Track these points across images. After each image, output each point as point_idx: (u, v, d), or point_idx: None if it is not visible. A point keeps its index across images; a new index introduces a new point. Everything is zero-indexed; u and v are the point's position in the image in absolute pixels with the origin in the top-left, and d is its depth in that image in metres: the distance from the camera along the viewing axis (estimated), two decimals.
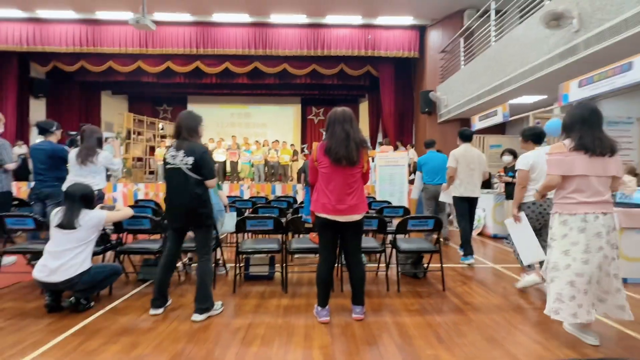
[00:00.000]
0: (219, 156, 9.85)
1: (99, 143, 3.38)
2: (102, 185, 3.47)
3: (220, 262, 3.54)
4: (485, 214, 5.83)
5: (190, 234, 2.60)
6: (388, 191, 6.47)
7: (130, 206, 3.93)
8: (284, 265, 3.03)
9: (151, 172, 12.07)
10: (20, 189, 8.14)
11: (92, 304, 2.58)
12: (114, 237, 3.19)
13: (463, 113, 7.98)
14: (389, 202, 4.86)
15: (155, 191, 8.55)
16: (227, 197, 4.83)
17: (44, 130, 3.58)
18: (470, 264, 4.00)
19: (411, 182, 6.80)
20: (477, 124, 6.87)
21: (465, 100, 7.66)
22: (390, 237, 3.30)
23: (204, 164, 2.41)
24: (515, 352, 2.01)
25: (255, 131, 13.64)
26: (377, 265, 3.69)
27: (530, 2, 5.78)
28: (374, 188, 7.21)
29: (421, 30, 9.62)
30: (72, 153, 3.33)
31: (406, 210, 4.10)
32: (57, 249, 2.39)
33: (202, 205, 2.43)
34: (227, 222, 2.67)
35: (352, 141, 2.29)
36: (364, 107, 12.93)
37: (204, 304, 2.42)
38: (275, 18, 9.27)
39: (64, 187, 2.83)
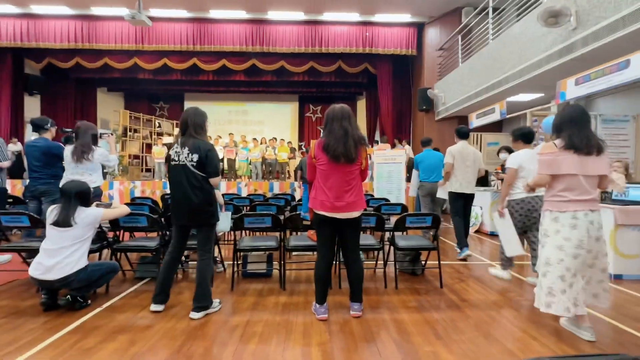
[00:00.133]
0: None
1: (94, 140, 3.35)
2: (99, 183, 3.45)
3: (218, 259, 3.53)
4: (482, 211, 5.85)
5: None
6: (386, 188, 6.48)
7: (127, 204, 3.90)
8: (282, 262, 3.03)
9: (148, 170, 12.01)
10: (15, 187, 8.07)
11: (89, 302, 2.57)
12: (110, 234, 3.17)
13: (461, 110, 7.99)
14: (387, 200, 4.87)
15: (152, 189, 8.52)
16: (225, 194, 4.82)
17: (38, 127, 3.54)
18: (465, 257, 4.10)
19: (408, 179, 6.82)
20: (475, 121, 6.88)
21: (462, 97, 7.67)
22: (388, 234, 3.31)
23: (208, 162, 2.38)
24: (512, 348, 2.02)
25: (252, 129, 13.58)
26: (375, 262, 3.70)
27: None
28: (372, 185, 7.22)
29: (419, 28, 9.60)
30: (67, 150, 3.30)
31: (404, 208, 4.11)
32: (52, 247, 2.37)
33: (206, 203, 2.40)
34: (222, 222, 2.65)
35: (350, 138, 2.28)
36: (361, 105, 12.92)
37: (202, 302, 2.41)
38: (272, 15, 9.21)
39: (61, 185, 2.80)
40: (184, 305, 2.57)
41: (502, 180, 5.11)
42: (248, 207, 4.67)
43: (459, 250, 4.17)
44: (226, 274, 3.45)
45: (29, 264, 2.49)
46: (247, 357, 1.91)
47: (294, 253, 4.01)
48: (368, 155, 2.47)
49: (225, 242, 4.83)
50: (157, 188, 8.54)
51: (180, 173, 2.37)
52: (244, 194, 8.02)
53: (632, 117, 5.13)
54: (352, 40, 9.49)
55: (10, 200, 4.56)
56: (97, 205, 2.73)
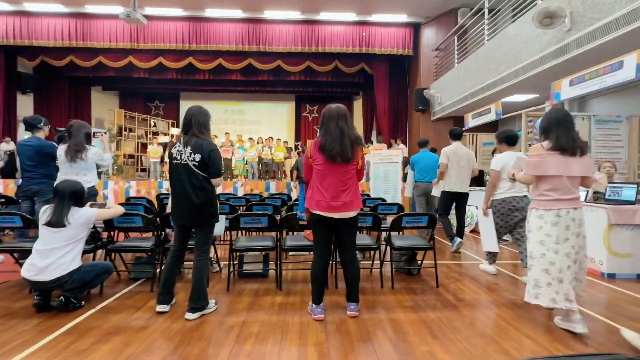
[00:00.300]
0: None
1: (88, 139, 3.31)
2: (94, 182, 3.41)
3: (214, 259, 3.51)
4: (478, 211, 5.88)
5: None
6: (382, 188, 6.49)
7: (122, 204, 3.87)
8: (278, 262, 3.02)
9: (143, 170, 11.92)
10: (8, 187, 7.97)
11: (82, 303, 2.54)
12: (104, 235, 3.14)
13: (457, 111, 8.03)
14: (384, 200, 4.88)
15: (147, 188, 8.45)
16: (221, 194, 4.79)
17: (31, 126, 3.49)
18: (458, 246, 4.30)
19: (403, 178, 6.84)
20: (471, 121, 6.92)
21: (458, 98, 7.70)
22: (384, 234, 3.31)
23: (211, 162, 2.36)
24: (508, 347, 2.03)
25: (249, 128, 13.54)
26: (371, 262, 3.70)
27: (522, 1, 5.82)
28: (368, 185, 7.23)
29: (415, 28, 9.63)
30: (61, 150, 3.26)
31: (400, 208, 4.12)
32: (45, 248, 2.34)
33: (207, 204, 2.38)
34: (215, 226, 2.62)
35: (346, 138, 2.28)
36: (358, 105, 12.93)
37: (198, 303, 2.39)
38: (269, 14, 9.18)
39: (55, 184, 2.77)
40: (179, 305, 2.55)
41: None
42: (244, 207, 4.65)
43: (451, 244, 4.35)
44: (222, 274, 3.44)
45: (21, 265, 2.45)
46: (243, 357, 1.90)
47: (290, 253, 4.00)
48: (364, 155, 2.47)
49: (221, 242, 4.81)
50: (152, 188, 8.48)
51: (182, 172, 2.35)
52: (240, 193, 7.99)
53: (626, 117, 5.19)
54: (348, 40, 9.50)
55: (3, 200, 4.50)
56: (91, 205, 2.70)
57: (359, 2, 8.64)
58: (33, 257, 2.36)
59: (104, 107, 12.34)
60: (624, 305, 2.70)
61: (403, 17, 9.30)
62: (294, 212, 3.49)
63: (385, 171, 6.54)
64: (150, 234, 3.20)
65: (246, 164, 9.96)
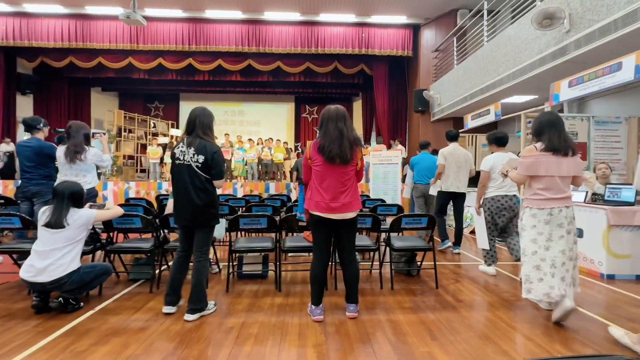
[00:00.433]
0: None
1: (87, 139, 3.30)
2: (94, 184, 3.41)
3: (213, 261, 3.50)
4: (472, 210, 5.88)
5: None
6: (382, 189, 6.49)
7: (121, 205, 3.86)
8: (278, 263, 3.02)
9: (142, 171, 11.91)
10: (7, 188, 7.96)
11: (82, 304, 2.53)
12: (104, 236, 3.13)
13: (456, 112, 8.04)
14: (383, 200, 4.89)
15: (147, 189, 8.45)
16: (220, 195, 4.78)
17: (30, 127, 3.49)
18: (445, 249, 4.44)
19: (403, 179, 6.85)
20: (470, 122, 6.92)
21: (458, 99, 7.71)
22: (384, 235, 3.31)
23: (214, 164, 2.37)
24: (508, 348, 2.03)
25: (248, 129, 13.55)
26: (370, 263, 3.70)
27: (522, 2, 5.84)
28: (367, 186, 7.23)
29: (415, 29, 9.65)
30: (60, 151, 3.25)
31: (400, 209, 4.12)
32: (44, 249, 2.34)
33: (209, 205, 2.38)
34: (218, 227, 2.62)
35: (345, 139, 2.28)
36: (357, 106, 12.94)
37: (197, 304, 2.39)
38: (268, 15, 9.20)
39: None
40: (179, 307, 2.54)
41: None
42: (244, 208, 4.65)
43: (455, 252, 4.39)
44: (221, 275, 3.43)
45: (20, 266, 2.45)
46: (242, 358, 1.89)
47: (289, 254, 4.00)
48: (363, 156, 2.47)
49: (221, 243, 4.80)
50: (151, 189, 8.47)
51: (184, 173, 2.35)
52: (239, 194, 7.99)
53: (625, 119, 5.19)
54: (348, 41, 9.51)
55: (2, 201, 4.49)
56: (91, 206, 2.69)
57: (358, 4, 8.66)
58: (32, 258, 2.35)
59: (104, 108, 12.34)
60: (623, 307, 2.70)
61: (402, 19, 9.32)
62: (293, 213, 3.49)
63: (384, 172, 6.54)
64: (149, 235, 3.20)
65: (246, 165, 9.95)
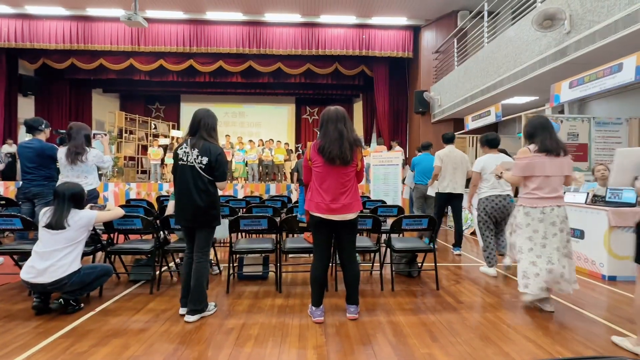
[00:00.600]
0: None
1: (88, 141, 3.31)
2: (95, 185, 3.41)
3: (214, 262, 3.50)
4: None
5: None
6: (382, 190, 6.49)
7: (122, 206, 3.87)
8: (278, 265, 3.01)
9: (143, 172, 11.93)
10: (8, 189, 7.98)
11: (82, 305, 2.54)
12: (104, 237, 3.14)
13: (457, 113, 8.04)
14: (384, 202, 4.88)
15: (148, 190, 8.46)
16: (221, 197, 4.78)
17: (32, 128, 3.50)
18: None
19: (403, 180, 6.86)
20: (471, 123, 6.92)
21: (458, 100, 7.72)
22: (384, 236, 3.31)
23: (218, 166, 2.38)
24: (509, 350, 2.03)
25: (249, 130, 13.57)
26: (371, 264, 3.69)
27: (522, 3, 5.85)
28: (368, 187, 7.23)
29: (415, 31, 9.66)
30: (61, 152, 3.26)
31: (400, 210, 4.12)
32: (45, 250, 2.34)
33: (211, 206, 2.39)
34: (220, 228, 2.62)
35: (345, 140, 2.28)
36: (358, 107, 12.95)
37: (197, 305, 2.39)
38: (269, 17, 9.22)
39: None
40: (178, 308, 2.54)
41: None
42: (244, 209, 4.65)
43: (456, 253, 4.47)
44: (222, 276, 3.43)
45: (20, 267, 2.45)
46: None
47: (290, 255, 4.00)
48: (363, 157, 2.47)
49: (221, 245, 4.80)
50: (152, 190, 8.49)
51: (187, 174, 2.36)
52: (240, 196, 7.99)
53: (625, 120, 5.19)
54: (348, 43, 9.53)
55: (3, 202, 4.50)
56: (91, 208, 2.70)
57: (359, 5, 8.67)
58: (32, 259, 2.35)
59: (105, 110, 12.38)
60: (624, 308, 2.68)
61: (403, 20, 9.33)
62: (293, 214, 3.49)
63: (385, 173, 6.54)
64: (150, 236, 3.20)
65: (246, 166, 9.96)
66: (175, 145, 10.24)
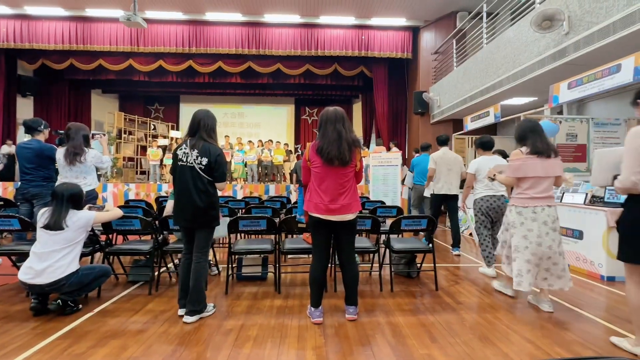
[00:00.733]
0: None
1: (86, 141, 3.30)
2: (94, 185, 3.40)
3: (213, 262, 3.50)
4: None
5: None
6: (382, 191, 6.49)
7: (121, 206, 3.86)
8: (277, 265, 3.01)
9: (142, 172, 11.92)
10: (7, 189, 7.96)
11: (80, 306, 2.53)
12: (103, 238, 3.13)
13: (456, 114, 8.05)
14: (383, 202, 4.88)
15: (147, 191, 8.45)
16: (220, 197, 4.77)
17: (31, 128, 3.48)
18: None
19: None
20: (470, 124, 6.93)
21: (457, 101, 7.73)
22: (383, 237, 3.30)
23: (217, 167, 2.39)
24: (508, 351, 2.02)
25: (248, 131, 13.56)
26: (370, 265, 3.69)
27: (520, 4, 5.86)
28: (368, 188, 7.23)
29: (414, 32, 9.68)
30: (60, 153, 3.25)
31: (399, 210, 4.12)
32: (43, 251, 2.33)
33: (210, 207, 2.40)
34: (219, 227, 2.62)
35: (344, 141, 2.28)
36: (357, 108, 12.95)
37: (196, 306, 2.38)
38: (268, 17, 9.23)
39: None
40: (177, 309, 2.53)
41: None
42: (243, 210, 4.65)
43: (455, 253, 4.50)
44: (221, 277, 3.43)
45: (18, 268, 2.44)
46: None
47: (289, 256, 3.99)
48: (362, 158, 2.47)
49: (220, 245, 4.80)
50: (151, 190, 8.47)
51: (187, 174, 2.36)
52: (239, 196, 7.99)
53: (624, 120, 5.20)
54: (348, 44, 9.54)
55: (1, 203, 4.49)
56: (90, 208, 2.69)
57: (358, 6, 8.69)
58: (30, 260, 2.35)
59: (104, 110, 12.36)
60: (623, 308, 2.68)
61: (402, 21, 9.34)
62: (293, 215, 3.49)
63: (384, 174, 6.54)
64: (148, 237, 3.19)
65: (245, 166, 9.96)
66: (174, 145, 10.23)
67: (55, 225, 2.35)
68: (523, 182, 2.57)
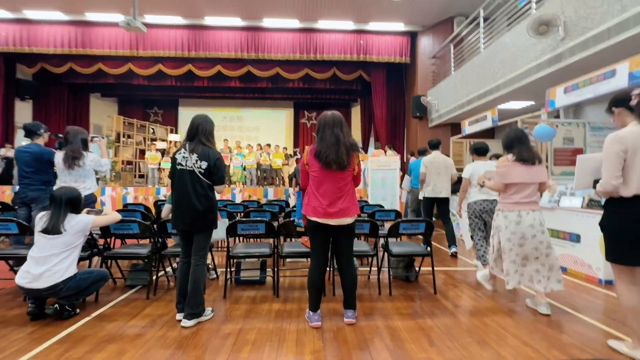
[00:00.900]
0: None
1: (85, 144, 3.31)
2: (93, 189, 3.40)
3: (211, 266, 3.49)
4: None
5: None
6: (380, 195, 6.50)
7: (119, 210, 3.86)
8: (276, 269, 3.01)
9: (141, 176, 11.90)
10: (4, 193, 7.93)
11: (77, 310, 2.52)
12: (101, 242, 3.12)
13: (453, 118, 8.09)
14: (381, 206, 4.90)
15: (145, 195, 8.43)
16: (219, 201, 4.78)
17: (31, 132, 3.49)
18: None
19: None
20: (467, 128, 6.97)
21: (455, 105, 7.77)
22: (382, 240, 3.31)
23: (216, 170, 2.42)
24: (506, 354, 2.03)
25: (247, 135, 13.58)
26: (369, 268, 3.69)
27: (517, 10, 5.93)
28: (366, 192, 7.24)
29: (412, 37, 9.75)
30: (58, 157, 3.25)
31: (398, 214, 4.12)
32: (41, 255, 2.33)
33: (209, 210, 2.41)
34: (217, 230, 2.63)
35: (342, 145, 2.29)
36: (356, 112, 13.00)
37: (195, 309, 2.38)
38: (268, 22, 9.29)
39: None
40: (175, 313, 2.52)
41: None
42: (242, 214, 4.65)
43: (450, 252, 4.63)
44: (219, 281, 3.42)
45: (16, 272, 2.43)
46: None
47: (287, 260, 3.99)
48: (360, 162, 2.49)
49: (219, 249, 4.79)
50: (150, 194, 8.45)
51: (186, 178, 2.38)
52: (238, 200, 7.98)
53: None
54: (346, 48, 9.60)
55: None
56: (88, 212, 2.69)
57: (356, 11, 8.76)
58: (28, 264, 2.34)
59: (103, 114, 12.36)
60: (620, 312, 2.69)
61: (400, 26, 9.42)
62: (291, 219, 3.49)
63: (383, 178, 6.56)
64: (147, 241, 3.19)
65: (244, 170, 9.96)
66: (173, 149, 10.23)
67: (53, 229, 2.35)
68: (509, 188, 2.71)
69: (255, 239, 4.10)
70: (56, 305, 2.40)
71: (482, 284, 3.21)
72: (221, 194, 2.52)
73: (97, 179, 6.55)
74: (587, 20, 4.13)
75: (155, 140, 12.07)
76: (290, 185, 8.63)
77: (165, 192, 8.45)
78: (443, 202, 4.64)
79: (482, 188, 3.53)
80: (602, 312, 2.71)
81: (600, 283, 3.42)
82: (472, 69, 7.06)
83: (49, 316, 2.41)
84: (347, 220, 2.35)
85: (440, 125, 9.08)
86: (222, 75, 10.45)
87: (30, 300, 2.42)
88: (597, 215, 3.45)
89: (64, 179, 3.24)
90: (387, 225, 3.85)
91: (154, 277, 3.06)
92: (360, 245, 3.22)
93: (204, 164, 2.37)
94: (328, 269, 2.92)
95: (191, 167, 2.37)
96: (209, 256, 3.33)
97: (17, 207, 3.53)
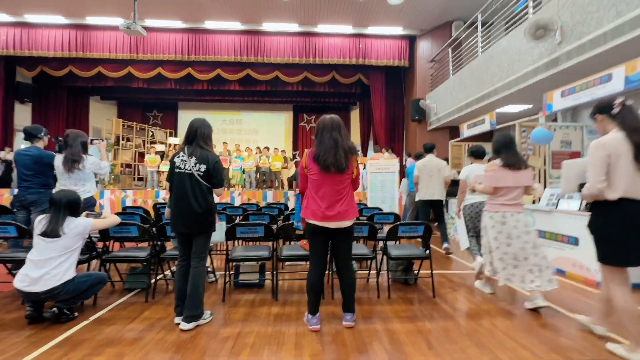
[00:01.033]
0: None
1: (84, 147, 3.31)
2: (93, 192, 3.40)
3: (210, 269, 3.49)
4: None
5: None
6: (379, 198, 6.51)
7: (118, 213, 3.85)
8: (275, 272, 3.01)
9: (140, 179, 11.89)
10: (3, 196, 7.92)
11: (76, 314, 2.51)
12: (100, 245, 3.12)
13: (452, 121, 8.13)
14: (380, 209, 4.91)
15: (144, 198, 8.42)
16: (218, 204, 4.78)
17: (31, 135, 3.49)
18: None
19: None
20: (466, 131, 7.00)
21: (454, 108, 7.81)
22: (381, 243, 3.31)
23: (215, 173, 2.44)
24: (504, 357, 2.03)
25: (246, 138, 13.60)
26: (367, 272, 3.69)
27: (514, 15, 5.98)
28: (365, 194, 7.25)
29: (411, 40, 9.82)
30: (58, 160, 3.26)
31: (397, 217, 4.13)
32: (40, 258, 2.33)
33: (208, 213, 2.43)
34: (216, 232, 2.64)
35: (340, 149, 2.31)
36: (355, 115, 13.05)
37: (194, 311, 2.38)
38: (267, 26, 9.35)
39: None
40: (174, 316, 2.52)
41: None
42: (241, 217, 4.65)
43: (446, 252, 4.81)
44: (218, 284, 3.41)
45: (14, 275, 2.43)
46: None
47: (286, 263, 3.99)
48: (359, 165, 2.50)
49: (218, 252, 4.78)
50: (149, 197, 8.45)
51: (185, 181, 2.39)
52: (237, 203, 7.98)
53: None
54: (345, 52, 9.66)
55: None
56: (87, 215, 2.69)
57: (355, 15, 8.82)
58: (27, 267, 2.34)
59: (102, 117, 12.38)
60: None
61: (399, 30, 9.49)
62: (290, 222, 3.50)
63: (382, 181, 6.58)
64: (145, 244, 3.19)
65: (244, 173, 9.97)
66: (171, 152, 10.24)
67: (52, 232, 2.35)
68: (497, 191, 2.86)
69: (254, 242, 4.10)
70: (54, 308, 2.39)
71: (480, 289, 3.27)
72: (220, 196, 2.53)
73: (96, 182, 6.56)
74: (583, 24, 4.17)
75: (154, 143, 12.08)
76: (290, 188, 8.64)
77: (164, 195, 8.45)
78: (437, 204, 4.78)
79: (472, 193, 3.64)
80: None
81: (598, 286, 3.43)
82: (470, 73, 7.11)
83: (47, 320, 2.40)
84: (346, 223, 2.35)
85: (439, 128, 9.11)
86: (222, 79, 10.49)
87: (28, 304, 2.41)
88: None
89: (64, 182, 3.24)
90: (386, 228, 3.86)
91: (153, 281, 3.06)
92: (359, 248, 3.22)
93: (203, 167, 2.39)
94: (327, 272, 2.92)
95: (190, 170, 2.38)
96: (208, 259, 3.33)
97: (15, 210, 3.52)
